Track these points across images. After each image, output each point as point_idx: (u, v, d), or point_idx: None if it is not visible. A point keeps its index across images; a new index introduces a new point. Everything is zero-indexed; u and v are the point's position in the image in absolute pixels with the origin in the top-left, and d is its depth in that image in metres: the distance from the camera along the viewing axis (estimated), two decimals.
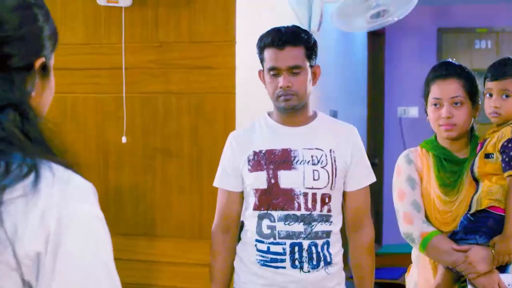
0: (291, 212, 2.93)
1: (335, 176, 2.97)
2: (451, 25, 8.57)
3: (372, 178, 3.12)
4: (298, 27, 3.05)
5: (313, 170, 2.94)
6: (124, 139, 4.08)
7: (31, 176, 1.25)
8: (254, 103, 4.05)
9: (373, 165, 3.39)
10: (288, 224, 2.92)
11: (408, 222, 3.00)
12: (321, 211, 2.95)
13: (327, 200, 2.96)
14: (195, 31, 4.03)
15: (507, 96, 2.91)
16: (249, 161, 3.00)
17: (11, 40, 1.30)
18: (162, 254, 4.12)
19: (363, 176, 3.07)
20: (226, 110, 3.98)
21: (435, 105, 3.01)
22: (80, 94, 4.23)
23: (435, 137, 3.12)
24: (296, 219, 2.93)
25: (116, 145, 4.15)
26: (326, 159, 2.97)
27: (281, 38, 2.93)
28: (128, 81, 4.11)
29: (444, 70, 3.03)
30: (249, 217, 3.03)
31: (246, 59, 3.99)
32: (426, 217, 3.01)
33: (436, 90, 3.01)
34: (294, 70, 2.93)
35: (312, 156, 2.96)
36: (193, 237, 4.05)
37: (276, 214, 2.94)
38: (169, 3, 4.06)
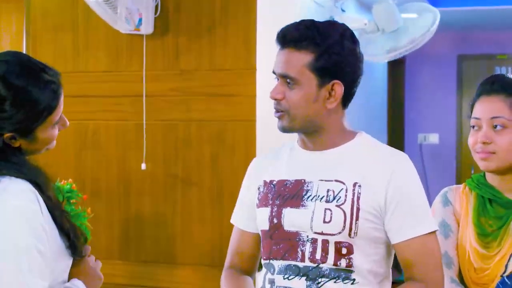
0: (292, 263, 2.17)
1: (356, 219, 2.13)
2: (471, 52, 8.55)
3: (427, 227, 2.16)
4: (331, 22, 2.24)
5: (325, 209, 2.14)
6: (143, 166, 4.10)
7: None
8: (275, 131, 4.05)
9: None
10: (287, 278, 2.18)
11: None
12: (335, 264, 2.13)
13: (344, 252, 2.14)
14: (216, 59, 4.06)
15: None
16: (259, 193, 2.31)
17: None
18: (182, 282, 4.11)
19: (408, 223, 2.14)
20: (247, 138, 3.98)
21: (473, 127, 2.32)
22: (101, 121, 4.26)
23: (484, 172, 2.38)
24: (298, 272, 2.17)
25: (136, 173, 4.16)
26: (346, 196, 2.14)
27: (285, 33, 2.18)
28: (148, 109, 4.13)
29: (490, 84, 2.33)
30: (263, 268, 2.30)
31: (267, 87, 3.99)
32: (460, 274, 2.32)
33: (477, 108, 2.32)
34: (288, 80, 2.18)
35: (328, 191, 2.16)
36: (213, 264, 4.04)
37: (276, 264, 2.20)
38: (190, 32, 4.09)
